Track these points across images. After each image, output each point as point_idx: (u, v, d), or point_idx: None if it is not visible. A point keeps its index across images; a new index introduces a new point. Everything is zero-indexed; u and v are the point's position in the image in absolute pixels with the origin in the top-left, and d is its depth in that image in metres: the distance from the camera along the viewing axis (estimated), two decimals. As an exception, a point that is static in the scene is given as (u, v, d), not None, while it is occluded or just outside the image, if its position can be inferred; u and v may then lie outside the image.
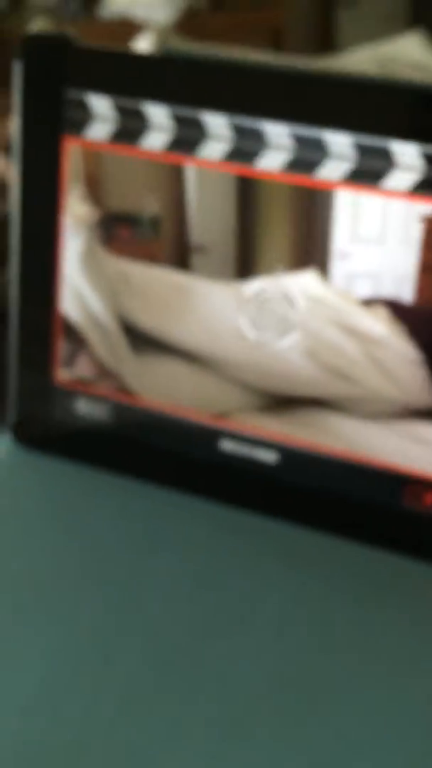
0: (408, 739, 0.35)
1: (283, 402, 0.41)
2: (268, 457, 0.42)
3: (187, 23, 1.80)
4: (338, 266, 0.37)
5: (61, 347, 0.44)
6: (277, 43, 1.96)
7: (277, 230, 0.37)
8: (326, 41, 2.16)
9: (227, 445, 0.43)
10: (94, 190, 0.40)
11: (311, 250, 0.37)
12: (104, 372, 0.44)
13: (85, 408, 0.45)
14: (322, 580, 0.41)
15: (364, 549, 0.42)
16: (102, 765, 0.33)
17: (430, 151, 0.33)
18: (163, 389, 0.43)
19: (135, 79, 0.38)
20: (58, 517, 0.45)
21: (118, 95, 0.38)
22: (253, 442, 0.42)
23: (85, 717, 0.35)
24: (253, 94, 0.36)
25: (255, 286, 0.39)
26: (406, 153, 0.34)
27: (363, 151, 0.34)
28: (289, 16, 1.94)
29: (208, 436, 0.43)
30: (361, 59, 1.51)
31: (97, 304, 0.42)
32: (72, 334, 0.44)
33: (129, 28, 1.68)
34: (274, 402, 0.41)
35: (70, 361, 0.44)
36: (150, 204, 0.39)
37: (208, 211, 0.38)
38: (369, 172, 0.35)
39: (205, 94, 0.36)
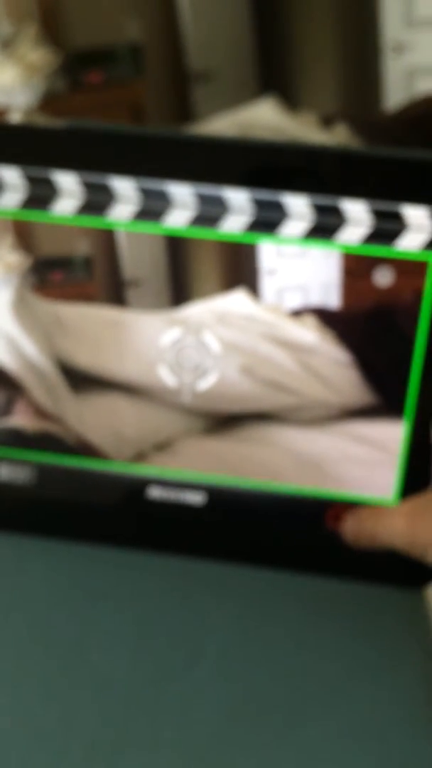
0: (357, 748, 0.37)
1: (226, 421, 0.43)
2: (196, 499, 0.44)
3: (49, 105, 1.84)
4: (267, 283, 0.39)
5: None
6: (137, 119, 2.03)
7: (206, 257, 0.40)
8: (184, 115, 2.26)
9: (155, 492, 0.44)
10: (24, 238, 0.41)
11: (240, 270, 0.39)
12: (44, 416, 0.44)
13: (6, 474, 0.45)
14: (257, 612, 0.43)
15: (295, 576, 0.44)
16: None
17: (320, 202, 0.37)
18: (106, 425, 0.44)
19: (42, 150, 0.40)
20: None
21: (27, 165, 0.39)
22: (181, 485, 0.43)
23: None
24: (155, 159, 0.39)
25: (171, 335, 0.42)
26: (299, 204, 0.37)
27: (260, 204, 0.38)
28: (147, 94, 2.02)
29: (136, 486, 0.44)
30: (223, 126, 1.59)
31: (31, 349, 0.43)
32: (7, 382, 0.44)
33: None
34: (217, 422, 0.43)
35: (6, 410, 0.45)
36: (81, 246, 0.41)
37: (137, 247, 0.40)
38: (267, 223, 0.38)
39: (110, 160, 0.39)
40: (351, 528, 0.41)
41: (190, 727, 0.37)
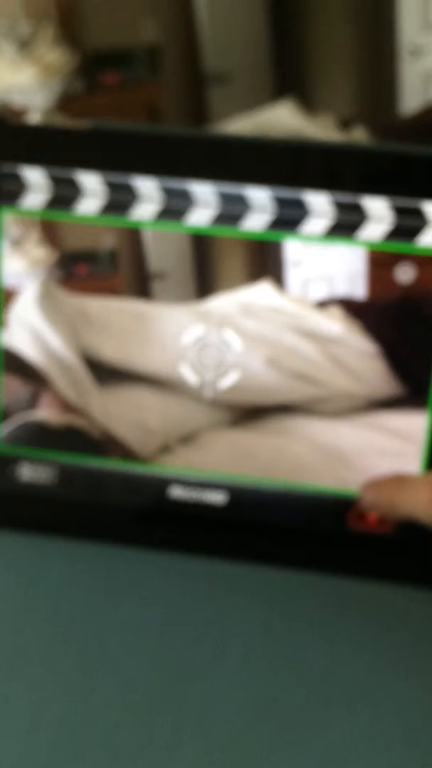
0: (382, 749, 0.37)
1: (251, 413, 0.43)
2: (217, 498, 0.43)
3: (66, 105, 1.85)
4: (292, 274, 0.39)
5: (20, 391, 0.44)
6: (153, 120, 2.04)
7: (230, 250, 0.40)
8: (200, 117, 2.26)
9: (177, 492, 0.44)
10: (50, 232, 0.42)
11: (265, 262, 0.40)
12: (69, 409, 0.44)
13: (29, 474, 0.45)
14: (279, 612, 0.43)
15: (318, 576, 0.44)
16: None
17: (341, 200, 0.37)
18: (131, 417, 0.44)
19: (66, 151, 0.40)
20: (17, 590, 0.45)
21: (51, 166, 0.40)
22: (202, 485, 0.43)
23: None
24: (178, 158, 0.39)
25: (193, 332, 0.42)
26: (321, 202, 0.38)
27: (282, 202, 0.38)
28: (163, 95, 2.02)
29: (158, 486, 0.44)
30: (241, 128, 1.60)
31: (57, 342, 0.43)
32: (33, 376, 0.44)
33: (8, 112, 1.72)
34: (242, 415, 0.43)
35: (32, 404, 0.45)
36: (106, 239, 0.41)
37: (162, 240, 0.40)
38: (289, 221, 0.38)
39: (133, 160, 0.39)
40: (370, 496, 0.39)
41: (213, 727, 0.37)
